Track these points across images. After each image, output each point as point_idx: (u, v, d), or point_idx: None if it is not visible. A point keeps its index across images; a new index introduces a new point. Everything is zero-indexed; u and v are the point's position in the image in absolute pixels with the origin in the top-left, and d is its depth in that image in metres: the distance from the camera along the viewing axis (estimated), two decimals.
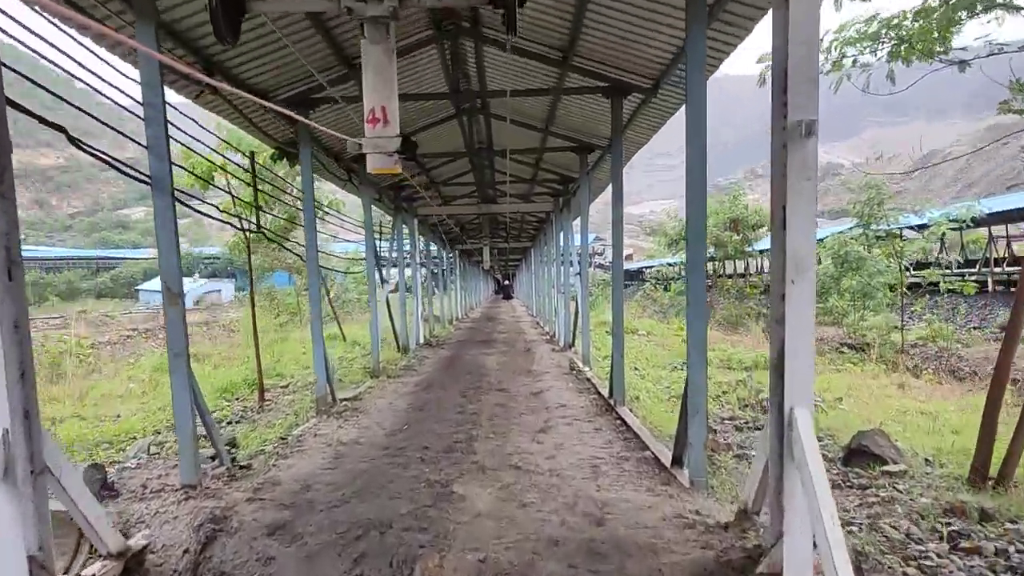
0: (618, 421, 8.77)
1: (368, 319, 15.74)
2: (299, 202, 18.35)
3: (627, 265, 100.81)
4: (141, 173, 5.71)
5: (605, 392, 10.33)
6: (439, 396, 10.91)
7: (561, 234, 18.27)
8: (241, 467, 6.79)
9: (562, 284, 18.41)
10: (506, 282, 71.42)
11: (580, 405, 9.92)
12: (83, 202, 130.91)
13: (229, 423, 9.36)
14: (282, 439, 8.10)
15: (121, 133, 6.11)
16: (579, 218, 14.51)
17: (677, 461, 6.45)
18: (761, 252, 32.77)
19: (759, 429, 8.91)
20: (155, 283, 64.27)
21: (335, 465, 6.94)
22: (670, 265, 43.33)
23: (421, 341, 19.33)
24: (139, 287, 67.08)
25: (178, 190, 8.57)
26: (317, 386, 9.71)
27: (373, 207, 18.79)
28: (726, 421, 9.48)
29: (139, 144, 5.54)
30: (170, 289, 5.66)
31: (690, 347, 5.84)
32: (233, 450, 7.55)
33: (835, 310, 22.08)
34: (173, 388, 5.77)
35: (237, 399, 11.21)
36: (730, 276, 41.02)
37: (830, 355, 19.04)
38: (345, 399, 10.66)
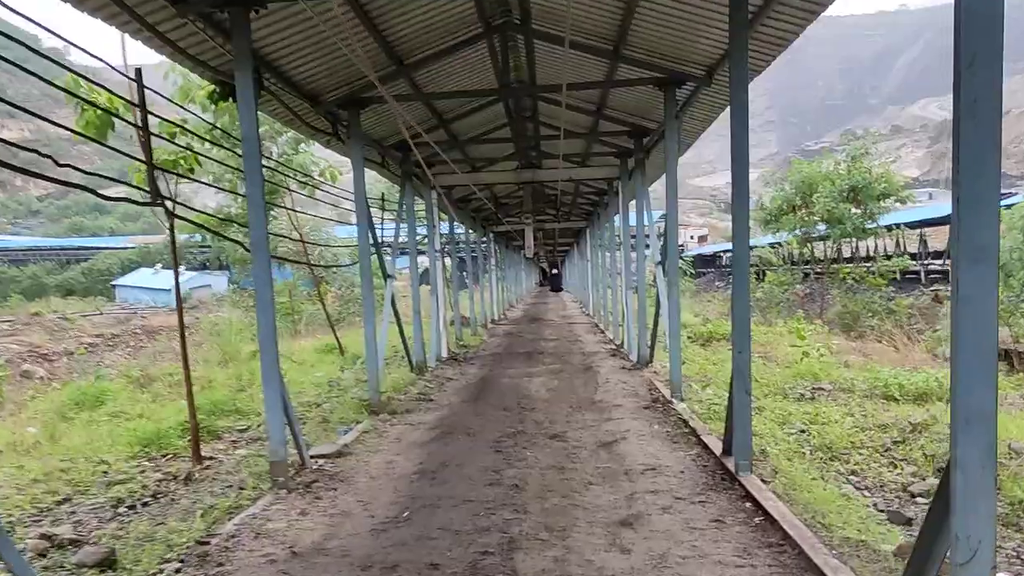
0: (748, 504, 6.40)
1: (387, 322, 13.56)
2: (285, 171, 16.37)
3: (700, 249, 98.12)
4: None
5: (714, 444, 8.11)
6: (463, 451, 8.73)
7: (632, 206, 15.93)
8: None
9: (633, 275, 16.04)
10: (554, 271, 69.23)
11: (679, 468, 7.63)
12: (53, 182, 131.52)
13: (131, 507, 7.12)
14: (201, 545, 5.81)
15: None
16: (662, 179, 12.17)
17: None
18: (889, 229, 29.85)
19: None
20: (135, 277, 63.50)
21: None
22: (772, 247, 40.29)
23: (443, 354, 17.36)
24: (115, 282, 66.37)
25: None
26: (271, 444, 7.45)
27: (377, 175, 16.78)
28: (919, 499, 6.95)
29: None
30: None
31: None
32: None
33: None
34: None
35: (165, 456, 9.02)
36: (848, 260, 38.05)
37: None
38: (322, 457, 8.52)
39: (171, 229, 7.99)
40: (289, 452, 7.93)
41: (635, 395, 11.92)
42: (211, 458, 8.86)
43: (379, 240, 13.69)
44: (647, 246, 14.98)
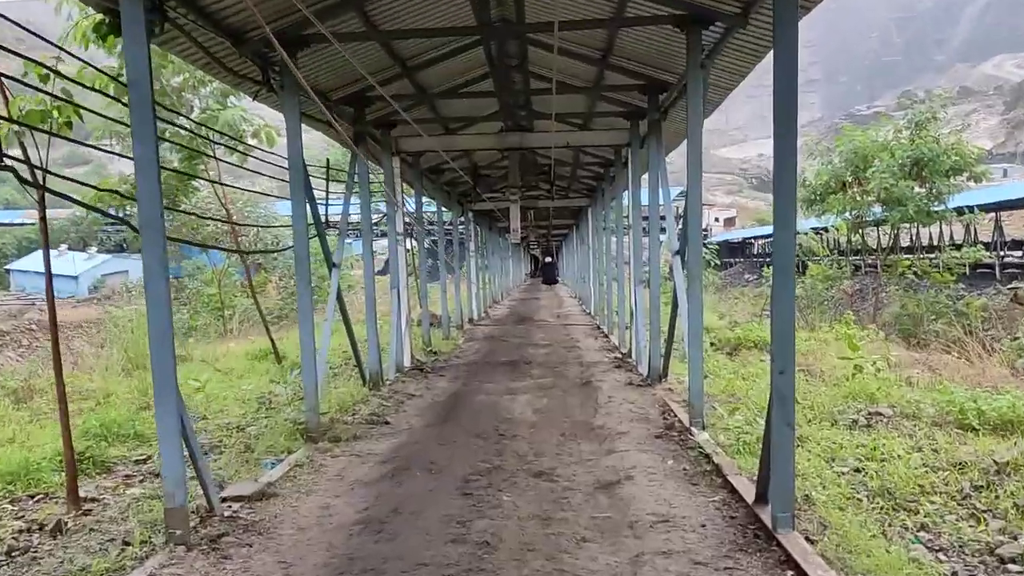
0: (790, 573, 6.09)
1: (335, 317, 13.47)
2: (204, 130, 15.89)
3: (726, 234, 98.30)
4: None
5: (745, 487, 7.73)
6: (421, 493, 8.31)
7: (645, 180, 15.73)
8: None
9: (645, 266, 15.73)
10: (548, 259, 69.36)
11: (699, 520, 7.24)
12: None
13: None
14: None
15: None
16: (681, 148, 11.77)
17: None
18: (960, 212, 29.53)
19: None
20: (33, 260, 62.77)
21: None
22: (816, 233, 39.83)
23: (406, 363, 17.01)
24: (10, 267, 65.85)
25: None
26: (167, 486, 6.94)
27: (322, 136, 16.33)
28: (1010, 567, 6.48)
29: None
30: None
31: None
32: None
33: None
34: None
35: (34, 498, 8.54)
36: (907, 250, 37.76)
37: None
38: (238, 500, 8.02)
39: (40, 202, 7.44)
40: (197, 493, 7.59)
41: (644, 419, 11.58)
42: (94, 500, 8.36)
43: (323, 219, 13.29)
44: (662, 230, 14.60)
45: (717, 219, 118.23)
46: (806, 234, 37.42)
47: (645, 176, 15.71)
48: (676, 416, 11.40)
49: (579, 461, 9.38)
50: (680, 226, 12.79)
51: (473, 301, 31.16)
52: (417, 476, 8.92)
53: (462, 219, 31.08)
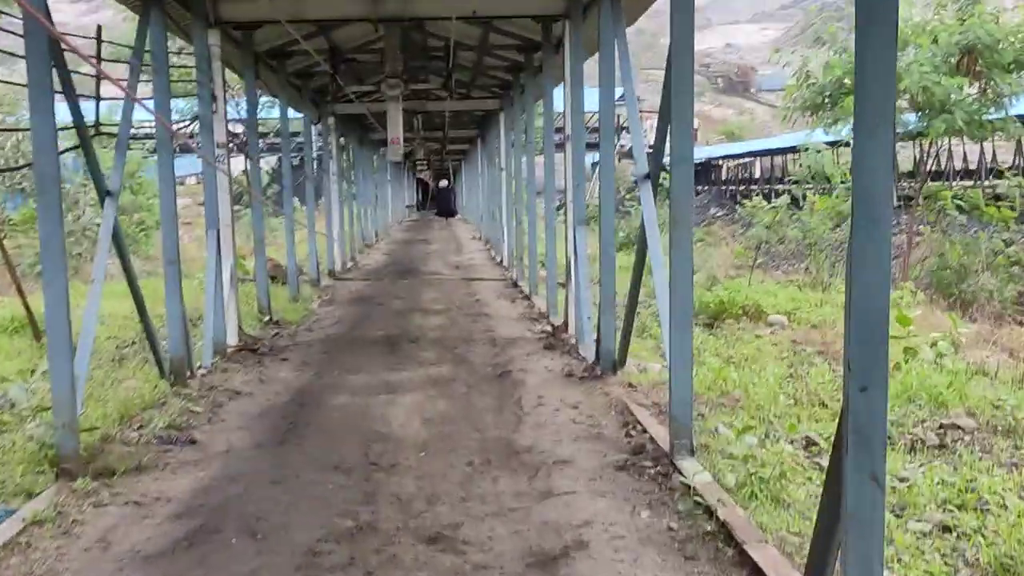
0: None
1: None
2: None
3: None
4: None
5: (776, 567, 6.53)
6: None
7: (591, 70, 15.24)
8: None
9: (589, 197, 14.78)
10: (443, 183, 69.53)
11: None
12: None
13: None
14: None
15: None
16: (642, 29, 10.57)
17: None
18: None
19: None
20: None
21: None
22: (832, 148, 39.98)
23: (230, 341, 16.06)
24: None
25: None
26: None
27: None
28: None
29: None
30: None
31: None
32: None
33: None
34: None
35: None
36: (936, 175, 37.91)
37: None
38: None
39: None
40: None
41: (596, 437, 10.54)
42: None
43: (94, 123, 12.28)
44: (620, 144, 13.50)
45: None
46: (811, 150, 37.26)
47: (593, 60, 15.24)
48: (646, 431, 10.30)
49: (498, 512, 8.25)
50: (654, 134, 11.67)
51: (335, 245, 31.23)
52: (232, 545, 7.68)
53: (319, 126, 30.64)
